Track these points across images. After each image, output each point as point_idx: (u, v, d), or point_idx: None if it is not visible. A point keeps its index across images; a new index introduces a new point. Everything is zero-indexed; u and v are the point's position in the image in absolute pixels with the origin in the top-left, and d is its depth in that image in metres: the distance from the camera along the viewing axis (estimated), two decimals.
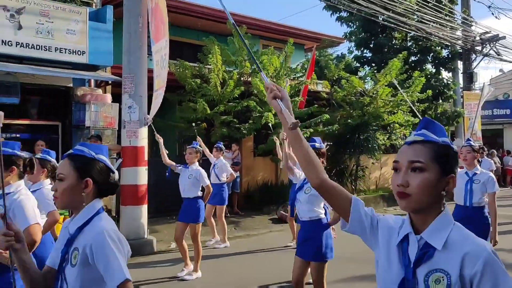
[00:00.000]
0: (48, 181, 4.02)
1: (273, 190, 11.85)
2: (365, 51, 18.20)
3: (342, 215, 1.66)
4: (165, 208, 9.70)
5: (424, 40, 16.92)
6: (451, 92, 17.51)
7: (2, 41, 7.70)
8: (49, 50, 8.16)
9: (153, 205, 8.48)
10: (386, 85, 12.84)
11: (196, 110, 10.25)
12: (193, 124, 9.34)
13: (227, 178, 8.32)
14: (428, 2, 15.45)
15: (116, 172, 2.06)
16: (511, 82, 24.84)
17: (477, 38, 17.79)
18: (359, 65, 18.23)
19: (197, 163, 6.37)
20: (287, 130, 1.64)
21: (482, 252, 1.35)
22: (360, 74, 16.06)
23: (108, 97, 9.28)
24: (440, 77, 18.12)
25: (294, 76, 12.89)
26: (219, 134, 10.43)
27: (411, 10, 15.30)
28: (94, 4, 9.77)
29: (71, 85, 9.15)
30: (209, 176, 6.84)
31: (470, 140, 5.32)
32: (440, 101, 17.23)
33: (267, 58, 10.80)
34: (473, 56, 18.20)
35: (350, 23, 17.92)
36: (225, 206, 8.40)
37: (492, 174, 5.10)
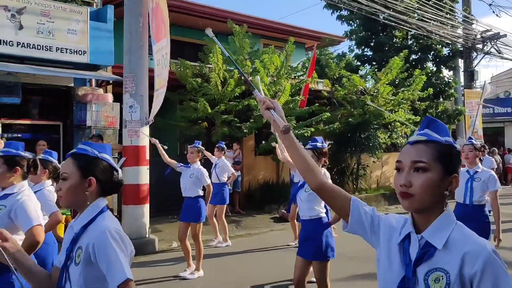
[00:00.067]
0: (49, 182, 4.02)
1: (274, 189, 11.86)
2: (365, 49, 18.18)
3: (342, 216, 1.67)
4: (167, 207, 9.71)
5: (425, 38, 16.90)
6: (452, 91, 17.48)
7: (3, 41, 7.71)
8: (50, 50, 8.17)
9: (154, 205, 8.49)
10: (387, 84, 12.83)
11: (197, 109, 10.25)
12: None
13: (228, 178, 8.33)
14: (429, 0, 15.44)
15: (120, 171, 2.06)
16: None
17: (478, 36, 17.78)
18: (359, 63, 18.22)
19: (198, 162, 6.37)
20: (281, 136, 1.68)
21: (482, 252, 1.35)
22: (361, 72, 16.04)
23: (109, 96, 9.28)
24: (441, 75, 18.09)
25: (295, 75, 12.89)
26: (220, 133, 10.44)
27: (411, 8, 15.29)
28: (94, 3, 9.77)
29: (72, 85, 9.16)
30: (210, 176, 6.85)
31: (472, 139, 5.33)
32: (441, 99, 17.21)
33: (267, 57, 10.80)
34: (474, 54, 18.19)
35: (350, 22, 17.91)
36: (225, 206, 8.41)
37: (493, 173, 5.09)
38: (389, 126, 14.25)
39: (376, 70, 14.78)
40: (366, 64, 17.92)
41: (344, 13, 17.57)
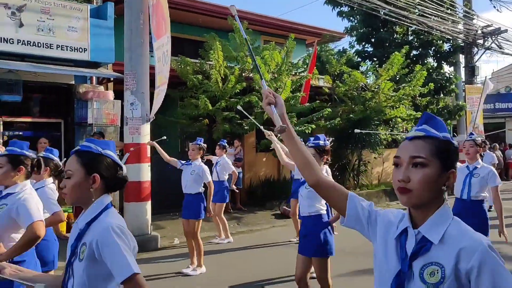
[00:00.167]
0: (50, 179, 4.04)
1: (275, 185, 11.88)
2: (366, 45, 18.13)
3: (339, 211, 1.69)
4: (168, 204, 9.73)
5: (426, 34, 16.84)
6: (453, 86, 17.44)
7: (4, 39, 7.72)
8: (50, 48, 8.18)
9: (156, 202, 8.51)
10: (388, 80, 12.81)
11: (198, 106, 10.25)
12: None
13: (229, 176, 8.34)
14: None
15: (124, 167, 2.07)
16: None
17: (479, 31, 17.71)
18: (360, 59, 18.18)
19: (200, 160, 6.39)
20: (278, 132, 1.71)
21: (478, 247, 1.36)
22: (362, 68, 16.01)
23: (110, 94, 9.29)
24: (442, 71, 18.04)
25: (296, 71, 12.88)
26: (221, 130, 10.44)
27: (412, 4, 15.23)
28: (94, 1, 9.77)
29: (73, 82, 9.17)
30: (211, 174, 6.85)
31: (473, 134, 5.34)
32: (442, 95, 17.18)
33: (268, 53, 10.79)
34: (475, 49, 18.12)
35: (351, 18, 17.84)
36: (225, 204, 8.41)
37: (493, 168, 5.09)
38: (390, 122, 14.25)
39: (377, 66, 14.76)
40: (367, 60, 17.88)
41: (345, 9, 17.50)
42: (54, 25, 8.21)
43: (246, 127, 10.67)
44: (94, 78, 9.51)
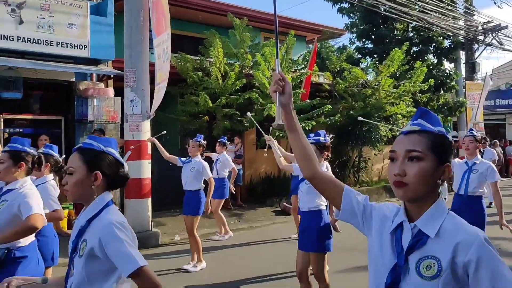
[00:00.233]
0: (51, 176, 4.07)
1: (275, 182, 11.89)
2: (366, 42, 18.12)
3: (335, 205, 1.71)
4: (169, 201, 9.75)
5: (426, 30, 16.83)
6: (453, 83, 17.43)
7: (4, 36, 7.72)
8: (50, 45, 8.18)
9: (157, 198, 8.53)
10: (388, 76, 12.80)
11: (198, 103, 10.26)
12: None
13: (229, 173, 8.36)
14: None
15: (126, 165, 2.08)
16: None
17: (479, 27, 17.70)
18: (360, 56, 18.17)
19: (200, 156, 6.40)
20: (284, 119, 1.71)
21: (474, 241, 1.37)
22: (362, 65, 16.00)
23: (110, 91, 9.30)
24: (442, 67, 18.03)
25: (296, 68, 12.87)
26: (221, 127, 10.45)
27: (412, 0, 15.21)
28: None
29: (73, 79, 9.17)
30: (211, 170, 6.87)
31: (473, 130, 5.36)
32: (442, 91, 17.16)
33: (268, 50, 10.79)
34: (475, 46, 18.12)
35: (351, 14, 17.83)
36: (223, 201, 8.42)
37: (492, 164, 5.11)
38: (390, 118, 14.24)
39: (377, 62, 14.74)
40: (367, 57, 17.87)
41: (345, 5, 17.50)
42: (54, 22, 8.21)
43: (246, 124, 10.68)
44: (94, 75, 9.50)
